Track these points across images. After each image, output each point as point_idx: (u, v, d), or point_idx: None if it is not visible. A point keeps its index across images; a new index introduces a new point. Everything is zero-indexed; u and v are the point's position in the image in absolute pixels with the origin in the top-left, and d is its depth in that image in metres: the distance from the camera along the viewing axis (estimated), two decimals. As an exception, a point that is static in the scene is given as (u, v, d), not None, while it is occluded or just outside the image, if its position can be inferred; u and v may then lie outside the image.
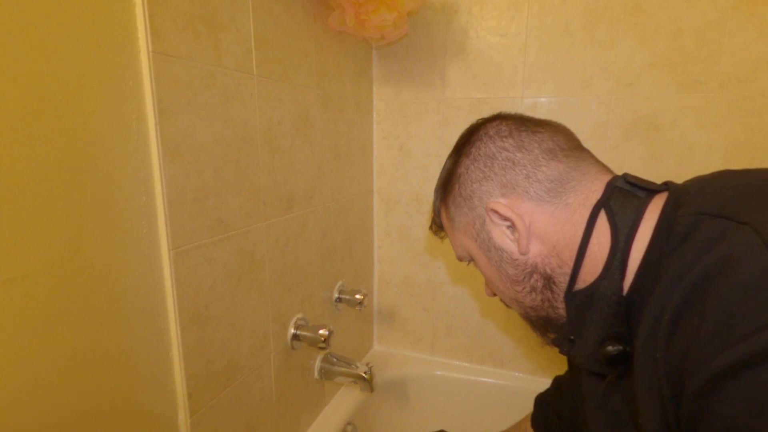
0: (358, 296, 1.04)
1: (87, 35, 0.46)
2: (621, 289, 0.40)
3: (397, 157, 1.18)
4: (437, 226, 0.59)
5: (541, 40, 0.99)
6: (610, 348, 0.41)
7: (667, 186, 0.43)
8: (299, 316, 0.87)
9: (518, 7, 0.99)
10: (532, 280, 0.47)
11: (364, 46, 1.08)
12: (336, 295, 1.03)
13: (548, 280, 0.46)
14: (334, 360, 0.97)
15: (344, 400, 1.06)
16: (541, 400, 0.73)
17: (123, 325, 0.53)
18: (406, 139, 1.16)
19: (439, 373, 1.22)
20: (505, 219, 0.47)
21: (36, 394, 0.44)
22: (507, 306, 0.55)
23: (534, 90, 1.02)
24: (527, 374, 1.17)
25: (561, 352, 0.49)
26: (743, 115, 0.88)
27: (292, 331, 0.85)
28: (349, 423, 1.01)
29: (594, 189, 0.44)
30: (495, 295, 0.56)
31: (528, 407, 1.14)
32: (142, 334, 0.55)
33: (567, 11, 0.96)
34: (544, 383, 1.14)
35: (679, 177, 0.47)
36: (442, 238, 0.61)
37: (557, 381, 0.71)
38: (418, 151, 1.15)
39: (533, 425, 0.74)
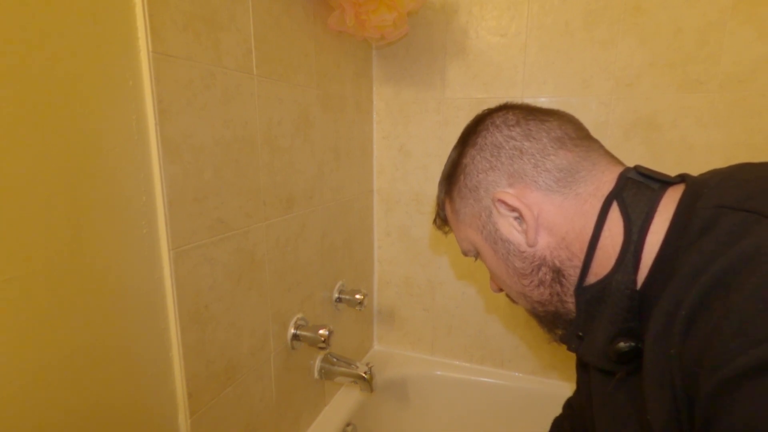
0: (358, 296, 1.04)
1: (87, 35, 0.46)
2: (634, 283, 0.39)
3: (397, 157, 1.18)
4: (441, 220, 0.57)
5: (541, 40, 0.99)
6: (621, 344, 0.39)
7: (683, 178, 0.41)
8: (299, 316, 0.87)
9: (518, 7, 0.99)
10: (540, 274, 0.46)
11: (364, 46, 1.08)
12: (336, 295, 1.03)
13: (557, 274, 0.45)
14: (334, 360, 0.97)
15: (344, 400, 1.06)
16: (556, 420, 0.72)
17: (123, 325, 0.53)
18: (406, 139, 1.16)
19: (439, 373, 1.22)
20: (513, 209, 0.45)
21: (36, 394, 0.44)
22: (513, 301, 0.53)
23: (534, 90, 1.02)
24: (527, 374, 1.17)
25: (569, 348, 0.48)
26: (743, 115, 0.88)
27: (292, 331, 0.85)
28: (349, 423, 1.01)
29: (605, 180, 0.43)
30: (501, 290, 0.55)
31: (528, 407, 1.15)
32: (142, 334, 0.55)
33: (567, 11, 0.96)
34: (544, 383, 1.14)
35: (679, 177, 0.46)
36: (446, 232, 0.59)
37: (568, 402, 0.70)
38: (418, 151, 1.15)
39: None
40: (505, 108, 0.50)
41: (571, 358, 0.58)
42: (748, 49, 0.86)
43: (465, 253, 0.55)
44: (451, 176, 0.52)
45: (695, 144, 0.93)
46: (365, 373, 0.92)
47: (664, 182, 0.41)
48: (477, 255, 0.53)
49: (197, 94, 0.58)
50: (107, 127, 0.49)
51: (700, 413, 0.30)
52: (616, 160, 0.46)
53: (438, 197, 0.56)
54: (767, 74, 0.85)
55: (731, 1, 0.85)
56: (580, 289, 0.43)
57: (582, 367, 0.57)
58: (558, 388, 1.11)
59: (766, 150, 0.88)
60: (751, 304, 0.28)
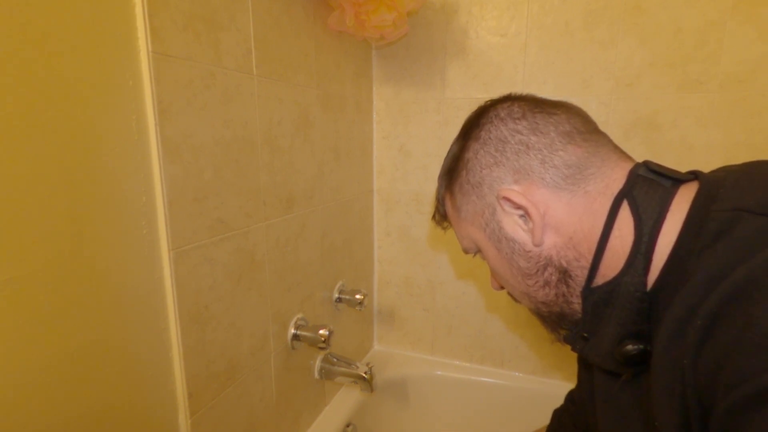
0: (358, 296, 1.04)
1: (87, 35, 0.46)
2: (644, 285, 0.38)
3: (397, 157, 1.18)
4: (441, 216, 0.55)
5: (541, 40, 0.99)
6: (630, 347, 0.38)
7: (695, 175, 0.40)
8: (299, 316, 0.87)
9: (518, 7, 0.99)
10: (546, 274, 0.44)
11: (364, 46, 1.08)
12: (336, 295, 1.03)
13: (564, 274, 0.43)
14: (334, 360, 0.97)
15: (344, 400, 1.06)
16: (557, 412, 0.71)
17: (123, 326, 0.53)
18: (406, 139, 1.16)
19: (439, 373, 1.22)
20: (518, 207, 0.44)
21: (36, 394, 0.44)
22: (516, 300, 0.52)
23: (534, 90, 1.02)
24: (527, 374, 1.17)
25: (573, 349, 0.47)
26: (743, 115, 0.88)
27: (292, 331, 0.85)
28: (349, 423, 1.01)
29: (615, 177, 0.41)
30: (502, 288, 0.53)
31: (528, 407, 1.15)
32: (142, 335, 0.55)
33: (567, 11, 0.96)
34: (544, 383, 1.14)
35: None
36: (445, 228, 0.57)
37: (570, 395, 0.70)
38: (418, 151, 1.15)
39: None
40: (510, 99, 0.48)
41: (572, 359, 0.58)
42: (748, 49, 0.85)
43: (466, 251, 0.53)
44: (452, 171, 0.51)
45: (695, 144, 0.93)
46: (365, 373, 0.92)
47: (676, 180, 0.40)
48: (478, 252, 0.52)
49: (197, 94, 0.58)
50: (107, 127, 0.49)
51: (716, 427, 0.30)
52: (625, 156, 0.44)
53: (437, 192, 0.55)
54: (767, 74, 0.85)
55: (731, 1, 0.85)
56: (588, 290, 0.42)
57: (584, 364, 0.57)
58: (558, 388, 1.11)
59: (766, 150, 0.88)
60: None
